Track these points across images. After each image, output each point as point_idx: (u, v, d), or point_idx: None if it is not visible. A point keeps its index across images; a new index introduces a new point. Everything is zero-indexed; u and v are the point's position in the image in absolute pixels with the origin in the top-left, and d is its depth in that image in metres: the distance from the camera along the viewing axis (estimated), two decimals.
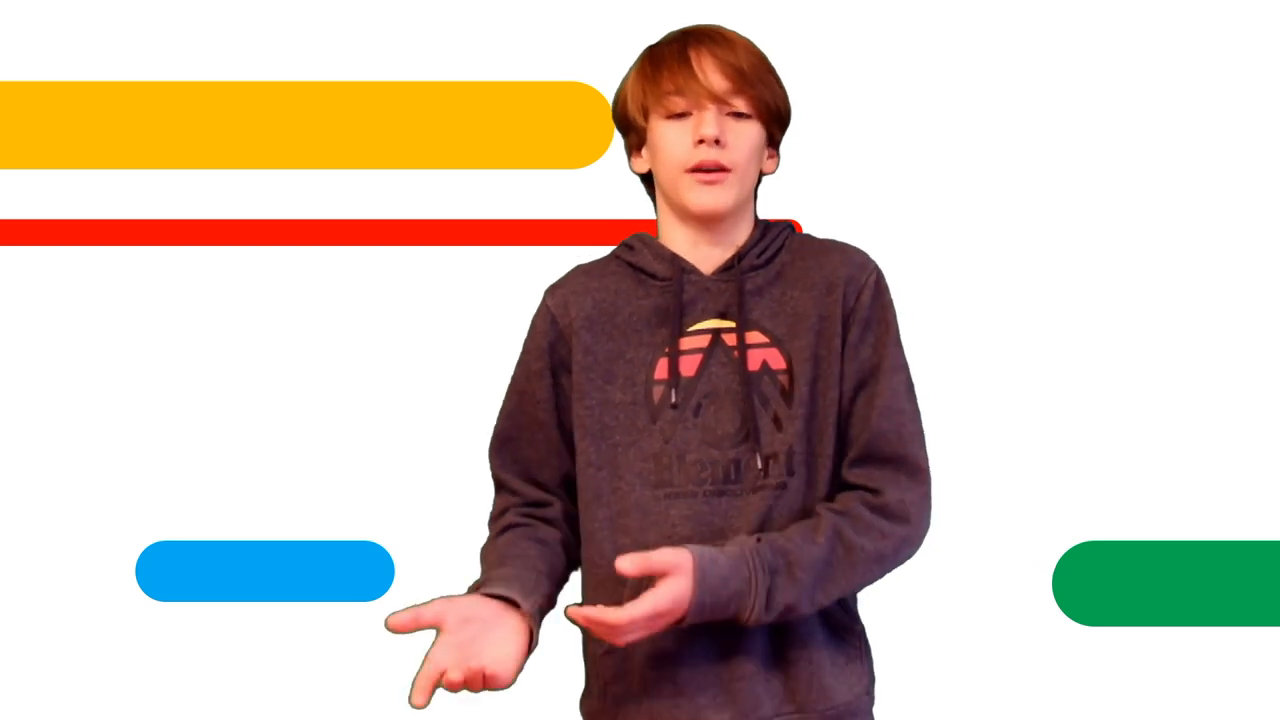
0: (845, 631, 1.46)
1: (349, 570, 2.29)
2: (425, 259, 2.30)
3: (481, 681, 1.30)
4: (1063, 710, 2.24)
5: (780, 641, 1.42)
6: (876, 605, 1.52)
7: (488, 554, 1.49)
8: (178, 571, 2.29)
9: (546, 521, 1.52)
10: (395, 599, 2.29)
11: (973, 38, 2.29)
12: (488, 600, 1.35)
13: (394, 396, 2.29)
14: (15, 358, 2.31)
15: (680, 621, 1.34)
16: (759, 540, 1.38)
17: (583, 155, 2.28)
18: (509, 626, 1.34)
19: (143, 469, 2.30)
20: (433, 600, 1.32)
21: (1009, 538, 2.20)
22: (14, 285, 2.32)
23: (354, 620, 2.29)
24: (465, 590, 1.39)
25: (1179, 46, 2.27)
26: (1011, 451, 2.22)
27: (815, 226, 1.60)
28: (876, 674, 1.50)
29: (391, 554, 2.29)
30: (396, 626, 1.29)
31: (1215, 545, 2.23)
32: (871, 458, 1.44)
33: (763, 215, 1.54)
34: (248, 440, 2.30)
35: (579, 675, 1.53)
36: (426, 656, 1.29)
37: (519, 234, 2.29)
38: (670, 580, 1.32)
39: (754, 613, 1.35)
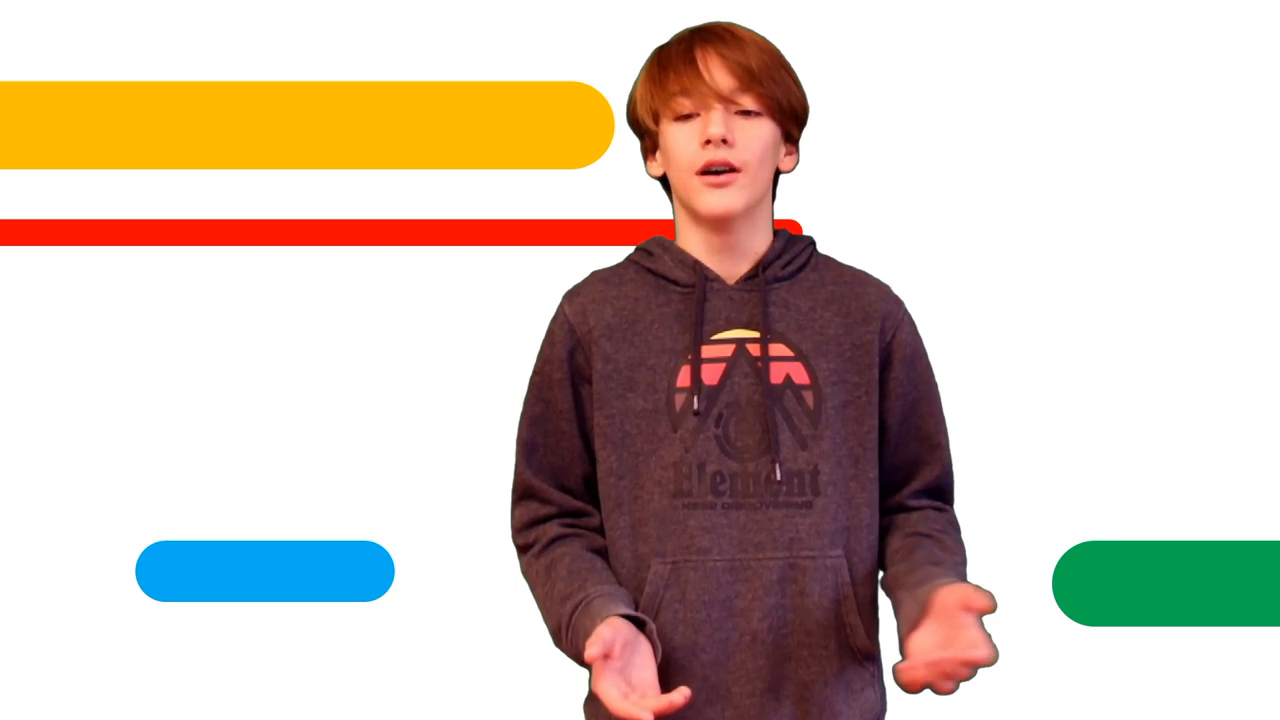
0: (864, 657, 1.45)
1: (349, 570, 2.29)
2: (425, 259, 2.29)
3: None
4: (1063, 710, 2.24)
5: (794, 663, 1.41)
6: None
7: (553, 568, 1.45)
8: (178, 571, 2.29)
9: (591, 530, 1.49)
10: (395, 599, 2.29)
11: (977, 39, 2.28)
12: (627, 623, 1.34)
13: (394, 396, 2.29)
14: (15, 358, 2.31)
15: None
16: (933, 564, 1.42)
17: (583, 155, 2.28)
18: (644, 647, 1.34)
19: (143, 469, 2.30)
20: (599, 628, 1.31)
21: (1009, 538, 2.20)
22: (14, 285, 2.32)
23: (354, 620, 2.29)
24: (568, 606, 1.39)
25: (1187, 47, 2.27)
26: (1011, 452, 2.22)
27: (815, 227, 1.60)
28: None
29: (391, 554, 2.29)
30: (594, 659, 1.28)
31: (1215, 545, 2.23)
32: (934, 491, 1.52)
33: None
34: (248, 440, 2.30)
35: (581, 676, 1.52)
36: (602, 689, 1.27)
37: (519, 234, 2.29)
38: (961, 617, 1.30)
39: None
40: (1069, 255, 2.28)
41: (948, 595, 1.30)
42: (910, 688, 1.27)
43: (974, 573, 2.21)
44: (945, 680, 1.26)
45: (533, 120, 2.29)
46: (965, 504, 1.57)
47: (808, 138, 1.54)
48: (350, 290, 2.31)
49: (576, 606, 1.39)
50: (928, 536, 1.47)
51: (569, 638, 1.40)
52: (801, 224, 1.89)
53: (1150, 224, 2.28)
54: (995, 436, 2.21)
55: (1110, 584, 2.25)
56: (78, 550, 2.30)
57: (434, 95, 2.30)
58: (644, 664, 1.32)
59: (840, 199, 2.21)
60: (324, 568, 2.29)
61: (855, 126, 2.25)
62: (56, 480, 2.30)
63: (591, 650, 1.27)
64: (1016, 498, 2.22)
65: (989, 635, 1.27)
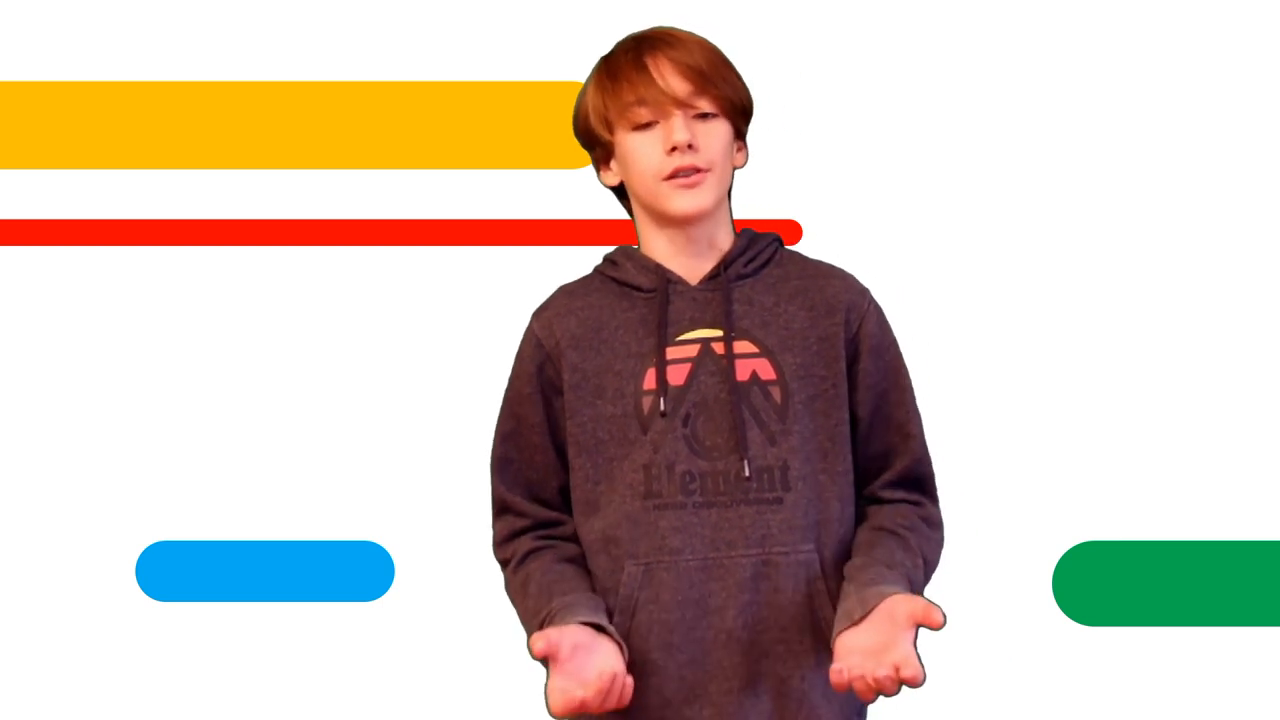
0: None
1: (349, 570, 2.29)
2: (423, 259, 2.29)
3: (612, 693, 1.31)
4: (1063, 710, 2.24)
5: (770, 659, 1.41)
6: None
7: (527, 584, 1.47)
8: (178, 571, 2.29)
9: (564, 539, 1.51)
10: (395, 599, 2.29)
11: (971, 35, 2.28)
12: (583, 628, 1.35)
13: (393, 396, 2.29)
14: (15, 358, 2.31)
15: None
16: (888, 566, 1.41)
17: (580, 155, 2.27)
18: (606, 648, 1.35)
19: (143, 469, 2.30)
20: (544, 630, 1.34)
21: (1009, 538, 2.20)
22: (14, 285, 2.32)
23: (354, 620, 2.29)
24: (535, 623, 1.41)
25: (1180, 41, 2.27)
26: (1011, 451, 2.22)
27: (815, 227, 1.60)
28: None
29: (391, 554, 2.29)
30: (540, 655, 1.30)
31: (1215, 545, 2.23)
32: (907, 481, 1.49)
33: (762, 216, 1.54)
34: (248, 440, 2.30)
35: None
36: (552, 688, 1.30)
37: (517, 234, 2.29)
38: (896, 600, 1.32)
39: None
40: (1069, 255, 2.28)
41: (900, 605, 1.31)
42: (836, 689, 1.30)
43: (973, 572, 2.22)
44: (870, 691, 1.28)
45: (531, 120, 2.29)
46: (965, 504, 1.57)
47: (812, 136, 1.54)
48: (350, 290, 2.31)
49: (543, 622, 1.40)
50: (892, 533, 1.46)
51: None
52: (802, 225, 1.89)
53: (1151, 225, 2.28)
54: (995, 436, 2.21)
55: (1110, 584, 2.25)
56: (78, 550, 2.30)
57: (432, 95, 2.30)
58: (605, 657, 1.33)
59: (846, 199, 2.21)
60: (324, 568, 2.29)
61: (858, 126, 2.26)
62: (57, 480, 2.30)
63: (537, 646, 1.29)
64: (1016, 498, 2.22)
65: (919, 655, 1.28)
